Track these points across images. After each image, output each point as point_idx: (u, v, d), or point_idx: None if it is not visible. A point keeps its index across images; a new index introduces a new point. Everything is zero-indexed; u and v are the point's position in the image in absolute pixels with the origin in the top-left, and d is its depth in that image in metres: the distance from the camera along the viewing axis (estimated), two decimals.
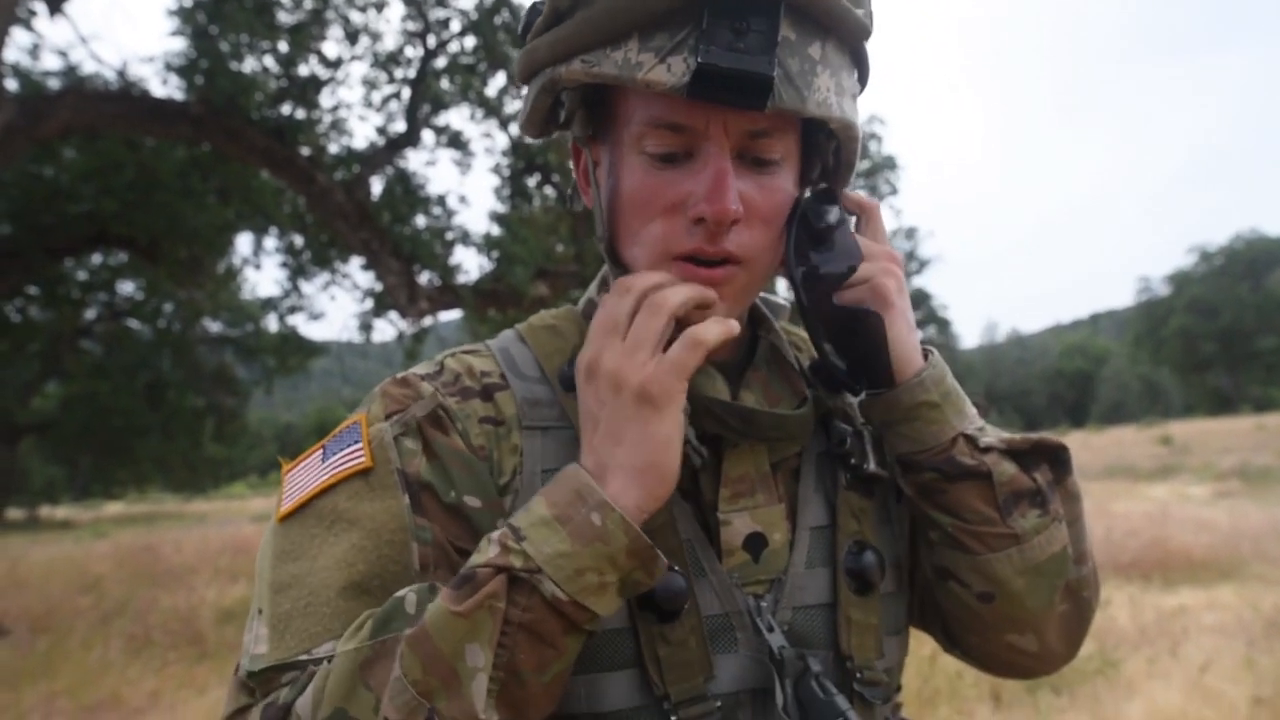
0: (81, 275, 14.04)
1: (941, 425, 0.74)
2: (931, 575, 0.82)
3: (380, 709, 0.58)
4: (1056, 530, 0.76)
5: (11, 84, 8.47)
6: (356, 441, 0.71)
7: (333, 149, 9.67)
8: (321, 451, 0.74)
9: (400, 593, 0.62)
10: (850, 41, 0.69)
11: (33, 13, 8.51)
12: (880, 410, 0.76)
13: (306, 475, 0.73)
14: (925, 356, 0.77)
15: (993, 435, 0.77)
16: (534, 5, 0.73)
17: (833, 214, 0.74)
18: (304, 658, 0.63)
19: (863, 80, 0.74)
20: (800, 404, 0.78)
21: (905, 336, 0.75)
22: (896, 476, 0.80)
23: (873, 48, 0.74)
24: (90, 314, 15.94)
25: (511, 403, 0.74)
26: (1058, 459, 0.78)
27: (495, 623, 0.58)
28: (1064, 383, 77.99)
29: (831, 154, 0.76)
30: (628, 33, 0.64)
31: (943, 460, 0.74)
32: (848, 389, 0.77)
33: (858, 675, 0.73)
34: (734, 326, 0.67)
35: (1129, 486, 16.10)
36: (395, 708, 0.58)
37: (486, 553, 0.61)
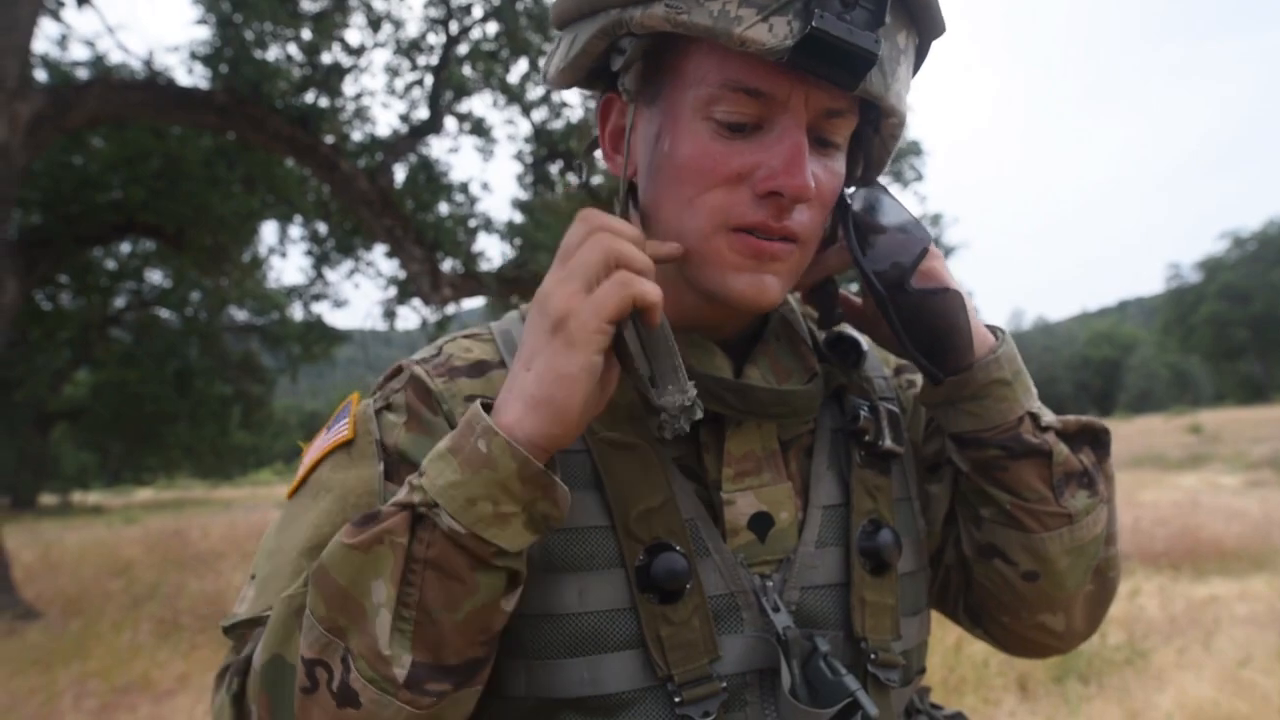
0: (110, 264, 14.22)
1: (1012, 403, 0.74)
2: (973, 554, 0.81)
3: None
4: (1101, 512, 0.76)
5: (40, 74, 8.57)
6: (346, 417, 0.73)
7: (356, 136, 9.71)
8: (326, 430, 0.76)
9: (334, 540, 0.61)
10: (926, 37, 0.68)
11: (60, 3, 8.60)
12: (948, 388, 0.75)
13: (310, 454, 0.76)
14: (995, 334, 0.77)
15: (1050, 415, 0.77)
16: None
17: (882, 201, 0.73)
18: (266, 614, 0.65)
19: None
20: (810, 379, 0.76)
21: (973, 315, 0.75)
22: (950, 452, 0.79)
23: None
24: (119, 302, 16.16)
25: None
26: (1099, 441, 0.79)
27: (397, 558, 0.58)
28: (1091, 371, 77.13)
29: (876, 147, 0.74)
30: None
31: (1009, 438, 0.74)
32: (932, 378, 0.74)
33: (872, 656, 0.72)
34: (657, 294, 0.61)
35: (1158, 476, 15.89)
36: (308, 644, 0.58)
37: (399, 494, 0.61)
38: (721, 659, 0.67)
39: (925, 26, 0.67)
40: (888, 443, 0.76)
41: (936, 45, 0.71)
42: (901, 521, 0.77)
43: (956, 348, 0.72)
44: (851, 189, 0.74)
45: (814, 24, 0.58)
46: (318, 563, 0.59)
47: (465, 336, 0.78)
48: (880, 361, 0.87)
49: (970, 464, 0.77)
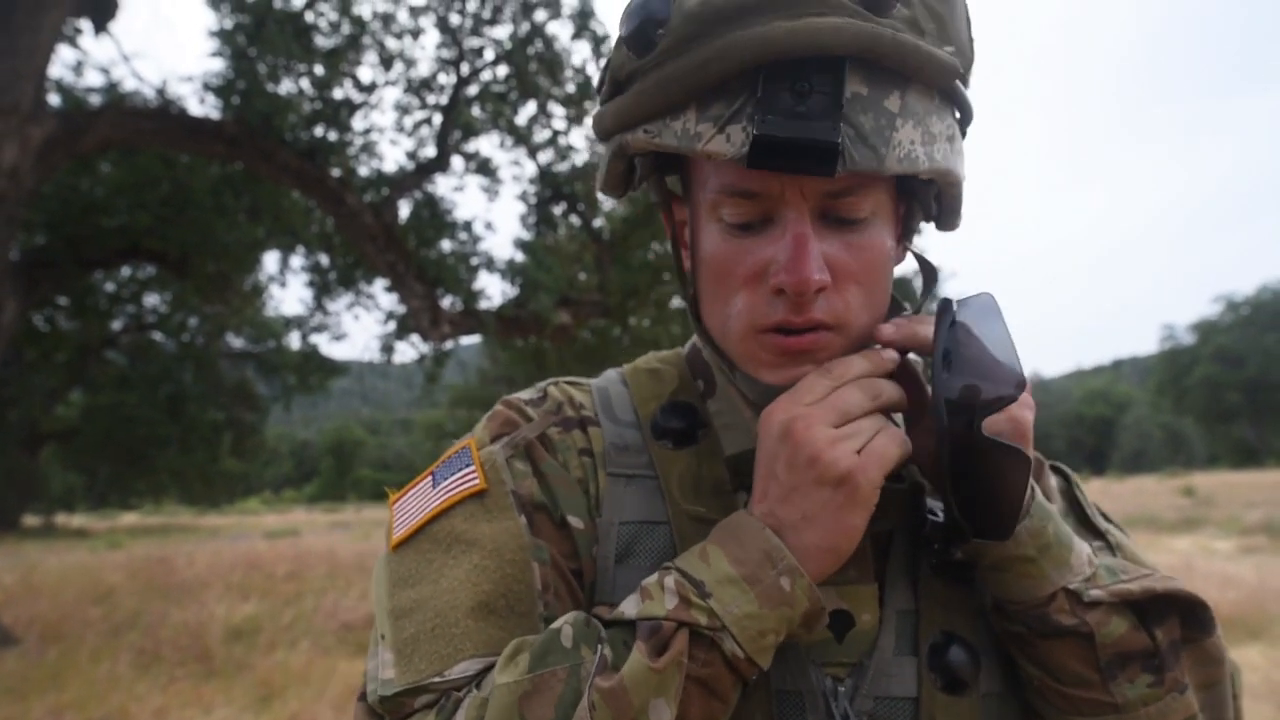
0: (109, 287, 14.25)
1: (1037, 581, 0.65)
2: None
3: None
4: (1174, 702, 0.65)
5: (54, 99, 8.66)
6: (468, 465, 0.72)
7: (363, 171, 9.81)
8: (430, 478, 0.74)
9: (556, 624, 0.61)
10: (938, 84, 0.62)
11: (78, 30, 8.72)
12: (969, 551, 0.68)
13: (417, 502, 0.72)
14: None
15: (1104, 586, 0.66)
16: (605, 65, 0.70)
17: (990, 318, 0.64)
18: (436, 680, 0.62)
19: (965, 117, 0.67)
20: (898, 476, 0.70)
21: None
22: (989, 613, 0.71)
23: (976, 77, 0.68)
24: (116, 325, 16.15)
25: (601, 441, 0.74)
26: (1194, 616, 0.67)
27: (680, 678, 0.58)
28: (1084, 428, 77.15)
29: (933, 200, 0.71)
30: (685, 102, 0.61)
31: (1035, 617, 0.66)
32: (960, 533, 0.65)
33: None
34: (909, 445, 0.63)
35: (1151, 538, 15.81)
36: None
37: (663, 601, 0.60)
38: None
39: (927, 78, 0.61)
40: (960, 554, 0.69)
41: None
42: (983, 636, 0.70)
43: (998, 515, 0.63)
44: (964, 296, 0.67)
45: (755, 131, 0.58)
46: (616, 680, 0.58)
47: (567, 383, 0.79)
48: None
49: (1001, 632, 0.69)
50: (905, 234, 0.71)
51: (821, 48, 0.57)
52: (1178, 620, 0.67)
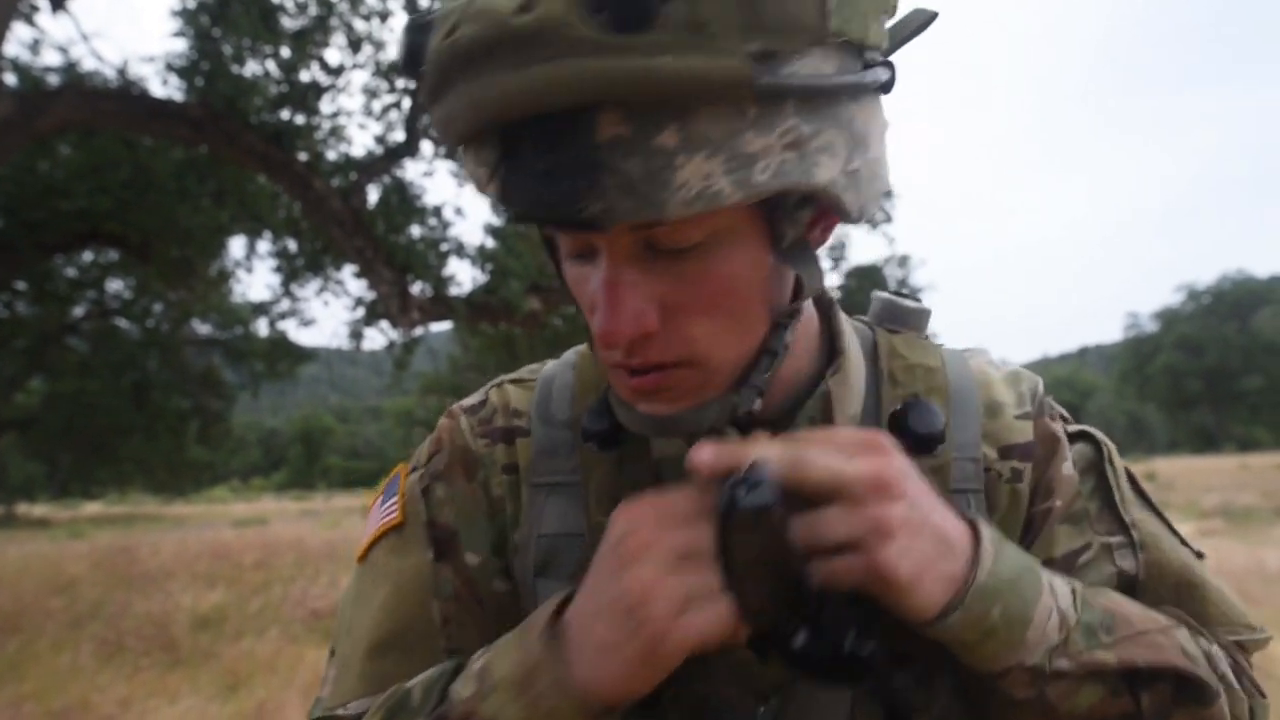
0: (71, 272, 13.97)
1: (988, 661, 0.56)
2: None
3: None
4: None
5: (10, 78, 8.44)
6: (394, 495, 0.73)
7: (330, 156, 9.68)
8: (379, 500, 0.75)
9: (410, 683, 0.62)
10: (735, 100, 0.47)
11: (35, 8, 8.50)
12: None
13: (373, 518, 0.74)
14: (974, 551, 0.55)
15: (1075, 655, 0.56)
16: None
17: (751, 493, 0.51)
18: (340, 712, 0.66)
19: (831, 119, 0.50)
20: None
21: (915, 587, 0.52)
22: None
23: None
24: (78, 311, 15.85)
25: (528, 451, 0.70)
26: (1190, 689, 0.58)
27: None
28: None
29: (800, 208, 0.55)
30: (460, 143, 0.52)
31: (985, 687, 0.58)
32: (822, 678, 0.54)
33: None
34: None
35: None
36: None
37: (467, 686, 0.57)
38: None
39: (716, 98, 0.46)
40: None
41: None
42: (936, 658, 0.60)
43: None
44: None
45: (495, 194, 0.50)
46: None
47: (512, 383, 0.75)
48: (978, 438, 0.68)
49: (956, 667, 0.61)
50: (776, 242, 0.56)
51: (542, 106, 0.46)
52: (1171, 685, 0.58)
